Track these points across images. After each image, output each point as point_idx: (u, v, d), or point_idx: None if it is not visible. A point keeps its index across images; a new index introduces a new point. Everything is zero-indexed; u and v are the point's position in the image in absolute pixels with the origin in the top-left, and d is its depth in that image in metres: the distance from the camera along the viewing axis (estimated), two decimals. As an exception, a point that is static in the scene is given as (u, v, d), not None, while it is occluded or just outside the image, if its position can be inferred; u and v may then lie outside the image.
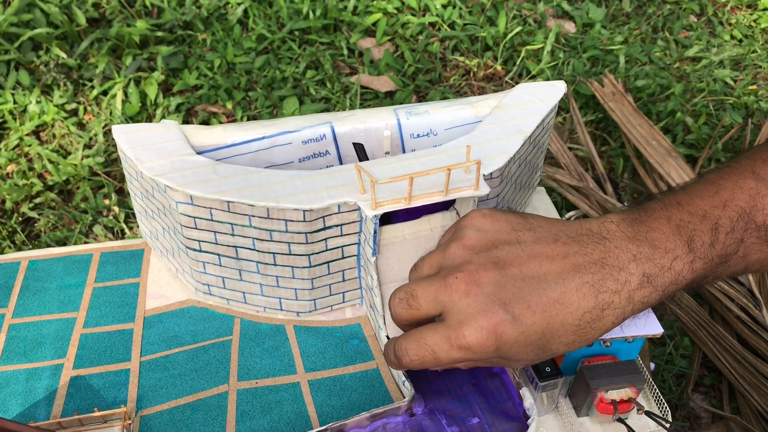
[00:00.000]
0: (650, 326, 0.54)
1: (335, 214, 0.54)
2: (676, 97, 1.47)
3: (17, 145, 1.36)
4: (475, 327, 0.44)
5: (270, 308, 0.60)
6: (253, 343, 0.58)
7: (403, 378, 0.53)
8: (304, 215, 0.52)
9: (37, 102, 1.41)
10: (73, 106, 1.43)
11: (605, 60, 1.57)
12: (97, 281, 0.63)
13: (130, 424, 0.53)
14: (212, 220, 0.54)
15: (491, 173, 0.55)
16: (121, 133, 0.58)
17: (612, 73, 1.52)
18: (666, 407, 0.54)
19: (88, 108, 1.43)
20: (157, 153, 0.56)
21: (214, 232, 0.55)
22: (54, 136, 1.39)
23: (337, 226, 0.54)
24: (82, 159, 1.33)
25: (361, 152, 0.57)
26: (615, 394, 0.52)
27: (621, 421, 0.51)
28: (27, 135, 1.37)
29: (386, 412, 0.51)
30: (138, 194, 0.61)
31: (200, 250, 0.57)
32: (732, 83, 1.55)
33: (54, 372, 0.56)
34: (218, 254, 0.57)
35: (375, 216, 0.51)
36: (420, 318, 0.48)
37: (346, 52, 1.55)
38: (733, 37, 1.70)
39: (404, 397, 0.54)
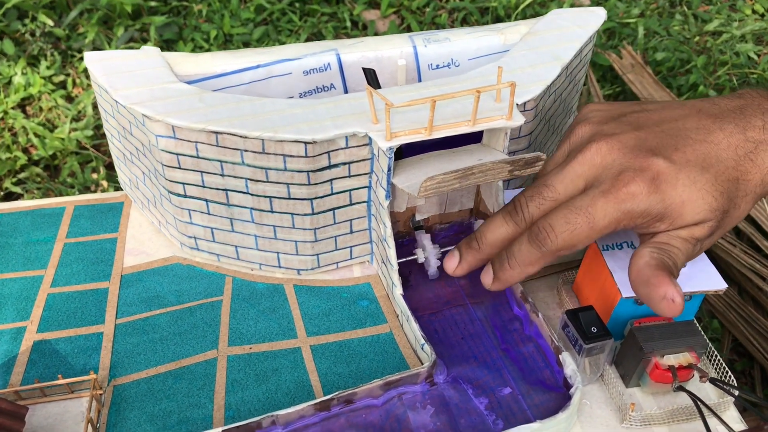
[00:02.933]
0: (710, 280, 0.46)
1: (342, 149, 0.46)
2: (699, 70, 1.39)
3: (1, 119, 1.28)
4: (630, 172, 0.40)
5: (266, 265, 0.52)
6: (246, 305, 0.51)
7: (422, 341, 0.45)
8: (305, 149, 0.45)
9: (23, 73, 1.33)
10: (61, 78, 1.35)
11: (622, 33, 1.49)
12: (69, 236, 0.55)
13: (101, 394, 0.45)
14: (198, 158, 0.47)
15: (525, 103, 0.48)
16: (95, 60, 0.50)
17: (630, 45, 1.44)
18: (730, 375, 0.46)
19: (77, 80, 1.35)
20: (135, 81, 0.48)
21: (201, 171, 0.47)
22: (41, 109, 1.32)
23: (344, 164, 0.46)
24: (69, 132, 1.26)
25: (372, 78, 0.49)
26: (672, 360, 0.44)
27: (683, 389, 0.43)
28: (12, 108, 1.29)
29: (402, 380, 0.43)
30: (115, 134, 0.53)
31: (185, 195, 0.49)
32: (756, 58, 1.47)
33: (15, 336, 0.48)
34: (206, 200, 0.49)
35: (389, 148, 0.44)
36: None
37: (349, 24, 1.47)
38: (754, 11, 1.62)
39: (423, 364, 0.46)
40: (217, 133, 0.45)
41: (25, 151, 1.24)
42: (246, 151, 0.45)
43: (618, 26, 1.50)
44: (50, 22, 1.38)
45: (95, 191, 1.17)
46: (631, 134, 0.42)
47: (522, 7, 1.49)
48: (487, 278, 0.46)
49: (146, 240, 0.55)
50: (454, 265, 0.47)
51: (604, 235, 0.41)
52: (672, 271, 0.40)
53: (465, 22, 1.50)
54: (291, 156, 0.45)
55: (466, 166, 0.41)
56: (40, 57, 1.36)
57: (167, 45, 1.41)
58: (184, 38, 1.42)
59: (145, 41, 1.40)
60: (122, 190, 0.59)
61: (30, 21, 1.39)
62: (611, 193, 0.40)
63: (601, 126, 0.44)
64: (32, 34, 1.37)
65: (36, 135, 1.25)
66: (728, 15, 1.60)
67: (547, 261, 0.43)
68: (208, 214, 0.50)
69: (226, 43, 1.42)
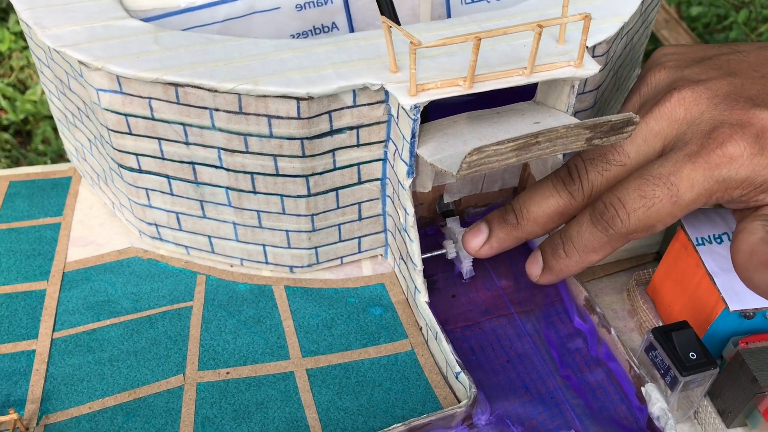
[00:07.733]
0: None
1: (348, 108, 0.33)
2: (740, 26, 1.25)
3: (-35, 79, 1.16)
4: (726, 128, 0.31)
5: (250, 260, 0.40)
6: (223, 313, 0.39)
7: (458, 368, 0.34)
8: (298, 107, 0.32)
9: (-10, 28, 1.20)
10: (33, 34, 1.22)
11: (654, -15, 1.35)
12: (0, 221, 0.44)
13: (25, 438, 0.33)
14: (154, 119, 0.34)
15: (594, 46, 0.35)
16: (18, -11, 0.38)
17: (663, -2, 1.31)
18: None
19: (51, 37, 1.22)
20: (70, 16, 0.36)
21: (158, 138, 0.35)
22: (11, 68, 1.19)
23: (351, 128, 0.34)
24: (42, 94, 1.13)
25: (387, 8, 0.36)
26: (798, 396, 0.33)
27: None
28: (-23, 67, 1.17)
29: (432, 424, 0.32)
30: (53, 90, 0.41)
31: (140, 170, 0.37)
32: (801, 12, 1.33)
33: None
34: (167, 176, 0.37)
35: (414, 107, 0.31)
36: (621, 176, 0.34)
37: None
38: (797, -38, 1.47)
39: (458, 400, 0.35)
40: (176, 85, 0.33)
41: (-8, 114, 1.12)
42: (217, 110, 0.33)
43: (649, -23, 1.36)
44: (20, -29, 1.25)
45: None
46: (723, 80, 0.33)
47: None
48: (534, 268, 0.36)
49: (97, 226, 0.43)
50: (479, 242, 0.36)
51: (690, 211, 0.32)
52: None
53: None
54: (278, 117, 0.33)
55: (525, 132, 0.29)
56: (10, 10, 1.23)
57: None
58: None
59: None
60: (70, 161, 0.47)
61: (-3, -31, 1.25)
62: (701, 155, 0.31)
63: (682, 71, 0.35)
64: (-1, -16, 1.24)
65: (5, 97, 1.13)
66: (769, -34, 1.45)
67: (615, 247, 0.34)
68: (171, 194, 0.38)
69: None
